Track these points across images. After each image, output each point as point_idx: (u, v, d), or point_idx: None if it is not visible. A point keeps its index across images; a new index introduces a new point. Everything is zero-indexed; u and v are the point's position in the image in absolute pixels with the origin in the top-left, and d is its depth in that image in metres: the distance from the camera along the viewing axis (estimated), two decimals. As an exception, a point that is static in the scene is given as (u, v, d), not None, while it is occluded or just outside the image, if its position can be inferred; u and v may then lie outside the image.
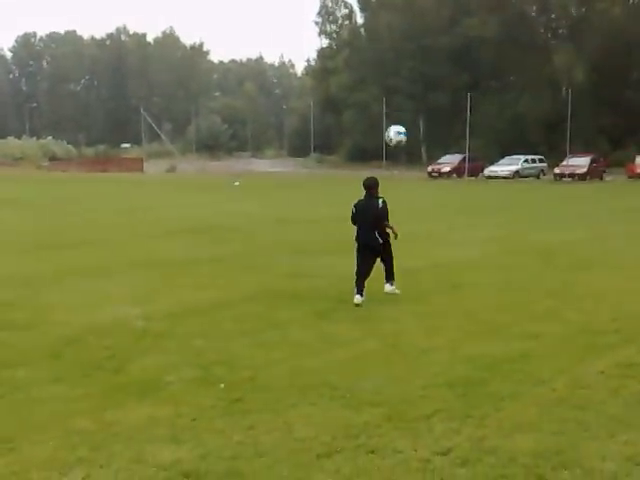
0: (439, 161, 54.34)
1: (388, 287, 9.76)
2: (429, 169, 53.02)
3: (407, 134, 10.40)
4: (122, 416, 5.39)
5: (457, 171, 51.72)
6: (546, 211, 24.39)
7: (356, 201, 9.61)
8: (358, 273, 9.31)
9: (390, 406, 5.58)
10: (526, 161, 50.61)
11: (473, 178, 50.52)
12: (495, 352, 6.99)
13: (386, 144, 10.68)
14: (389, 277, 9.78)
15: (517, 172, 48.92)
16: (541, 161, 51.64)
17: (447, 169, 51.91)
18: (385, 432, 5.09)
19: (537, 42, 62.51)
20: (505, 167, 49.63)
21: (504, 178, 47.50)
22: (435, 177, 51.11)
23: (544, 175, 49.66)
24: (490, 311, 8.83)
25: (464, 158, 52.77)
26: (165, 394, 5.90)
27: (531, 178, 48.67)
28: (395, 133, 10.23)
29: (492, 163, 51.09)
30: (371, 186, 9.61)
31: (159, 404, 5.65)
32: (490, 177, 48.79)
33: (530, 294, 9.87)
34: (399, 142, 10.25)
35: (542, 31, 66.82)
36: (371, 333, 7.80)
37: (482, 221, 20.66)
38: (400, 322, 8.29)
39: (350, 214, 9.66)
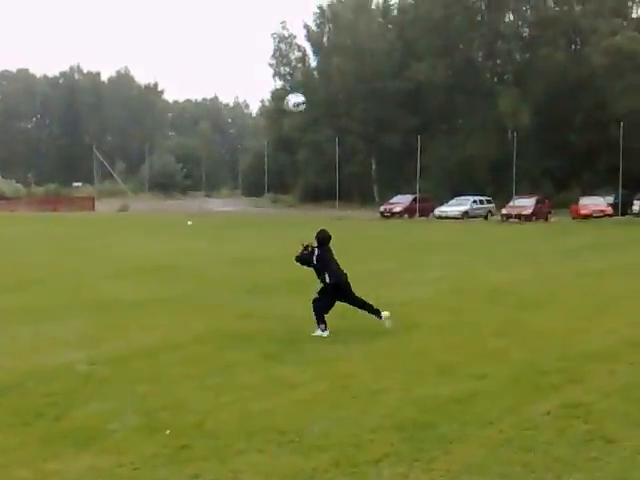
0: (391, 201, 54.95)
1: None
2: (381, 209, 53.58)
3: (306, 104, 10.72)
4: (62, 466, 5.23)
5: (408, 211, 52.37)
6: (494, 251, 24.74)
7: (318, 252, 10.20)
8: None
9: (339, 450, 5.52)
10: (475, 202, 51.51)
11: (424, 218, 51.15)
12: (443, 393, 6.99)
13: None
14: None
15: (466, 212, 49.73)
16: (489, 202, 52.68)
17: (399, 209, 52.50)
18: (333, 477, 5.04)
19: (484, 87, 64.35)
20: (455, 207, 50.39)
21: (454, 218, 48.16)
22: (387, 217, 51.60)
23: (492, 215, 50.59)
24: (439, 351, 8.85)
25: (415, 198, 53.51)
26: (108, 442, 5.74)
27: (480, 218, 49.50)
28: (294, 104, 10.66)
29: (442, 203, 51.92)
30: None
31: (101, 453, 5.51)
32: (440, 217, 49.46)
33: (478, 334, 9.92)
34: (297, 105, 10.63)
35: (488, 76, 68.82)
36: (321, 375, 7.74)
37: (432, 260, 20.83)
38: (350, 363, 8.26)
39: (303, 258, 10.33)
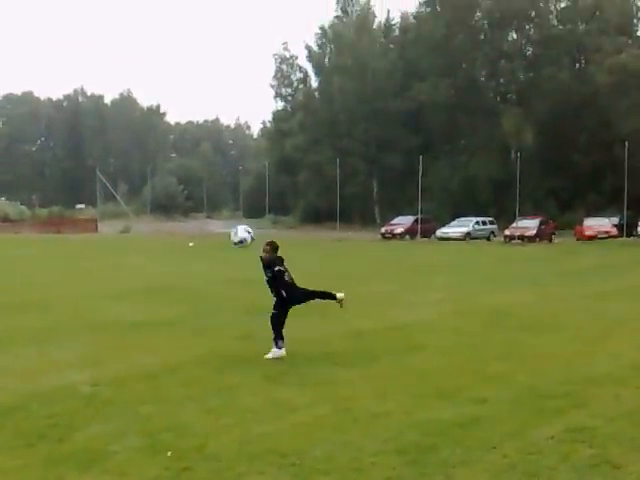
0: (392, 222, 54.87)
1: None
2: (382, 230, 53.49)
3: (253, 237, 9.66)
4: (64, 488, 5.22)
5: (410, 232, 52.27)
6: (496, 272, 24.72)
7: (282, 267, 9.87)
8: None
9: (340, 474, 5.50)
10: (477, 223, 51.43)
11: (426, 239, 51.07)
12: (446, 417, 6.96)
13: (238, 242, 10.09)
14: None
15: (468, 234, 49.61)
16: (491, 223, 52.53)
17: (400, 230, 52.42)
18: (335, 501, 5.01)
19: (486, 106, 64.14)
20: (457, 229, 50.30)
21: (456, 239, 48.08)
22: (388, 238, 51.51)
23: (494, 237, 50.46)
24: (441, 374, 8.82)
25: (417, 219, 53.40)
26: (110, 464, 5.73)
27: (482, 240, 49.37)
28: (244, 231, 9.61)
29: (444, 224, 51.80)
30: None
31: (103, 474, 5.49)
32: (442, 238, 49.35)
33: (481, 356, 9.90)
34: (243, 241, 9.55)
35: (491, 95, 68.67)
36: (322, 397, 7.72)
37: (434, 282, 20.81)
38: (352, 386, 8.23)
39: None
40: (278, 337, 9.69)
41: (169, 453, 5.93)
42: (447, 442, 6.21)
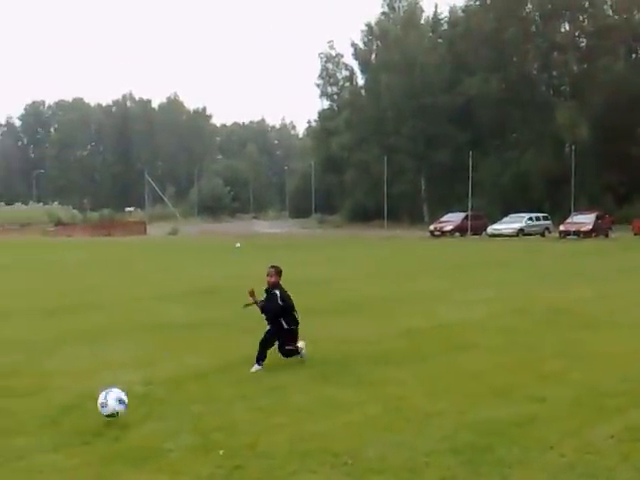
0: (441, 219, 54.33)
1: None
2: (431, 228, 53.00)
3: (126, 406, 6.84)
4: (120, 486, 5.28)
5: (460, 229, 51.66)
6: (551, 269, 24.33)
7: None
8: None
9: (394, 474, 5.44)
10: (530, 219, 50.59)
11: (476, 236, 50.41)
12: (501, 416, 6.85)
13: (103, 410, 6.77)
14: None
15: (521, 230, 48.84)
16: (545, 218, 51.59)
17: (449, 227, 51.86)
18: (389, 501, 4.96)
19: (539, 100, 62.98)
20: (509, 225, 49.56)
21: (508, 236, 47.40)
22: (437, 236, 51.04)
23: (549, 233, 49.58)
24: (495, 373, 8.69)
25: (467, 216, 52.72)
26: (164, 462, 5.77)
27: (536, 236, 48.57)
28: (115, 401, 6.81)
29: (495, 221, 51.06)
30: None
31: (158, 472, 5.53)
32: (494, 235, 48.70)
33: (536, 355, 9.74)
34: (113, 413, 6.71)
35: (544, 89, 67.53)
36: (374, 397, 7.66)
37: (486, 280, 20.59)
38: (403, 385, 8.16)
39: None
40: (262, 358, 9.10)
41: (221, 452, 5.95)
42: (503, 442, 6.11)
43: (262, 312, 9.39)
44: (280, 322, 9.19)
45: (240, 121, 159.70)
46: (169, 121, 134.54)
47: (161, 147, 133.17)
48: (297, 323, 9.32)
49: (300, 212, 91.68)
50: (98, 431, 6.56)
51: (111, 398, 6.77)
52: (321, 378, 8.48)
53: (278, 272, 9.38)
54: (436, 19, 75.34)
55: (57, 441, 6.30)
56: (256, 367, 8.97)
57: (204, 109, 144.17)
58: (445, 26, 74.83)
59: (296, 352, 9.25)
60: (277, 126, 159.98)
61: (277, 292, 9.23)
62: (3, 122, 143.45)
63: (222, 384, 8.31)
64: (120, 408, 6.77)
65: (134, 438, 6.37)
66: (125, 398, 6.87)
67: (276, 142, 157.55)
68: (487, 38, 63.19)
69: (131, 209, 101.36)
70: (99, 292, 18.83)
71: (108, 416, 6.75)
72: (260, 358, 9.03)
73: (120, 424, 6.73)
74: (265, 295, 9.40)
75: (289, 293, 9.42)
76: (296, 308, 9.38)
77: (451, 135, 64.76)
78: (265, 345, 9.10)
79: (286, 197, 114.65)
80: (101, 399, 6.79)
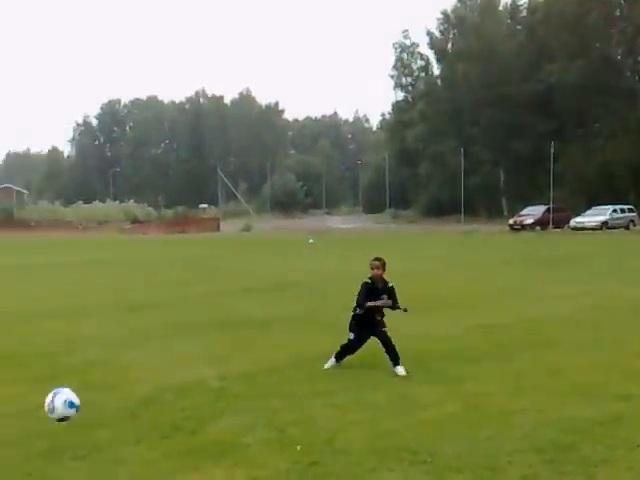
0: (521, 213, 53.15)
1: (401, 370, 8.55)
2: (511, 222, 51.95)
3: (78, 409, 6.06)
4: (200, 478, 5.32)
5: (541, 223, 50.47)
6: (637, 263, 23.61)
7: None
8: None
9: (474, 472, 5.33)
10: (615, 211, 49.09)
11: (558, 230, 49.18)
12: (585, 415, 6.65)
13: None
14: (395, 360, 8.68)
15: (605, 223, 47.46)
16: (631, 210, 49.97)
17: (530, 221, 50.70)
18: (469, 500, 4.85)
19: (623, 86, 60.89)
20: (592, 218, 48.17)
21: (591, 229, 46.16)
22: (517, 230, 49.98)
23: (634, 226, 48.04)
24: (579, 371, 8.46)
25: (548, 209, 51.48)
26: (242, 456, 5.79)
27: (620, 229, 47.14)
28: (63, 404, 5.99)
29: (578, 213, 49.69)
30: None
31: (236, 466, 5.55)
32: (576, 228, 47.46)
33: (622, 352, 9.45)
34: (64, 418, 5.94)
35: (628, 74, 65.27)
36: (451, 394, 7.54)
37: (569, 275, 20.15)
38: (482, 382, 8.00)
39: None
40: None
41: (299, 447, 5.93)
42: (587, 440, 5.94)
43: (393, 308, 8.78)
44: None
45: (312, 115, 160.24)
46: (241, 116, 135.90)
47: (233, 143, 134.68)
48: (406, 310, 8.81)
49: (374, 207, 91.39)
50: (176, 424, 6.62)
51: (59, 401, 5.94)
52: (396, 375, 8.39)
53: (384, 264, 8.79)
54: (514, 5, 73.60)
55: (137, 434, 6.39)
56: (331, 362, 8.86)
57: (276, 104, 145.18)
58: (524, 12, 72.92)
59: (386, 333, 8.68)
60: (350, 119, 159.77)
61: (392, 284, 8.78)
62: (80, 121, 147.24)
63: (298, 380, 8.30)
64: (70, 412, 5.96)
65: (211, 432, 6.41)
66: (76, 400, 6.00)
67: (349, 136, 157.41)
68: (568, 23, 61.20)
69: (205, 206, 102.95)
70: (175, 288, 19.14)
71: (59, 420, 6.01)
72: (339, 357, 8.84)
73: (197, 418, 6.80)
74: (374, 292, 8.68)
75: None
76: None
77: (531, 125, 62.94)
78: (347, 351, 8.82)
79: (359, 192, 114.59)
80: (48, 402, 5.95)
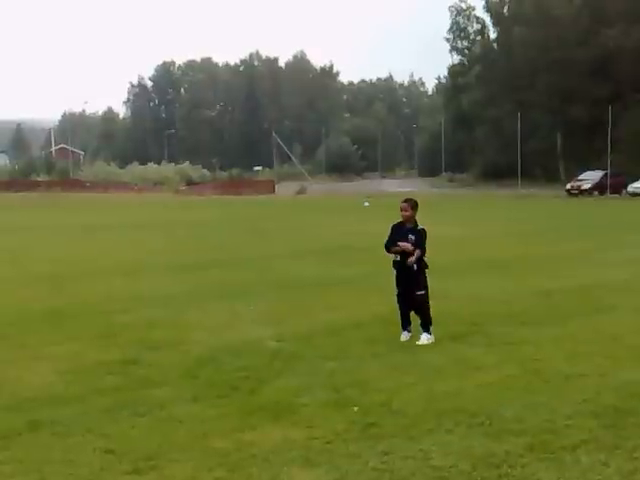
0: (579, 178, 52.35)
1: (424, 337, 8.24)
2: (568, 186, 51.20)
3: None
4: (257, 438, 5.38)
5: (598, 188, 49.67)
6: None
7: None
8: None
9: (533, 435, 5.29)
10: None
11: (616, 195, 48.36)
12: (645, 380, 6.55)
13: None
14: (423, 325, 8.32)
15: None
16: None
17: (588, 186, 49.93)
18: (528, 462, 4.83)
19: (685, 50, 59.09)
20: None
21: None
22: (575, 195, 49.31)
23: (694, 191, 46.89)
24: (637, 335, 8.32)
25: (606, 174, 50.56)
26: (299, 416, 5.84)
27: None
28: None
29: (637, 179, 48.71)
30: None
31: (293, 426, 5.61)
32: (635, 194, 46.57)
33: (682, 317, 9.24)
34: None
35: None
36: (509, 358, 7.48)
37: (628, 240, 19.75)
38: (540, 346, 7.92)
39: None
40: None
41: (356, 408, 5.96)
42: (647, 405, 5.85)
43: (411, 253, 8.10)
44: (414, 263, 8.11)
45: (367, 78, 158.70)
46: (296, 79, 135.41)
47: (288, 106, 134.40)
48: (427, 267, 8.35)
49: (429, 171, 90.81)
50: (234, 384, 6.70)
51: None
52: (455, 338, 8.34)
53: (413, 206, 8.27)
54: (573, -31, 71.62)
55: (195, 393, 6.48)
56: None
57: (331, 67, 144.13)
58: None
59: (426, 300, 8.26)
60: (405, 83, 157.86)
61: (424, 228, 8.26)
62: (135, 83, 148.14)
63: (355, 341, 8.31)
64: None
65: (269, 392, 6.48)
66: None
67: (404, 100, 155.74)
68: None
69: (259, 168, 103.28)
70: (231, 250, 19.32)
71: None
72: (402, 318, 8.40)
73: (254, 378, 6.87)
74: (401, 231, 8.26)
75: None
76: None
77: (588, 89, 61.73)
78: (400, 306, 8.41)
79: (415, 156, 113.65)
80: None
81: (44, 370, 7.35)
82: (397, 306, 8.45)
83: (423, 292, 8.22)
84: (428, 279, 8.32)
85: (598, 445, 5.09)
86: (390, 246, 8.29)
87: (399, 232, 8.28)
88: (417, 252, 8.09)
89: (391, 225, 8.46)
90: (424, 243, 8.19)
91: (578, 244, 18.99)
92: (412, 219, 8.28)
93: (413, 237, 8.14)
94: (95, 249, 20.24)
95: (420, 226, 8.30)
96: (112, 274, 14.45)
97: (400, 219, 8.35)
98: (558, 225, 26.18)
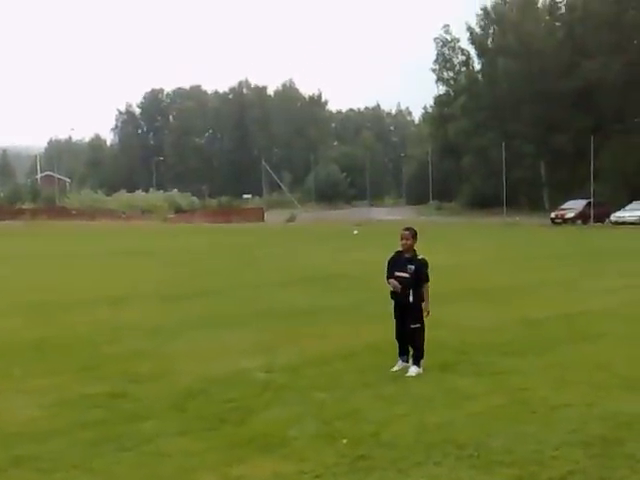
0: (563, 206, 52.88)
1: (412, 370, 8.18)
2: (552, 215, 51.70)
3: None
4: (246, 471, 5.35)
5: (582, 217, 50.13)
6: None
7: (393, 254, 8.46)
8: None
9: (521, 467, 5.32)
10: None
11: (599, 224, 48.83)
12: (632, 409, 6.59)
13: None
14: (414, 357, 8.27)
15: None
16: None
17: (571, 215, 50.41)
18: (517, 495, 4.85)
19: (662, 82, 60.26)
20: (633, 212, 47.70)
21: (632, 224, 45.62)
22: (558, 223, 49.75)
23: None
24: (625, 364, 8.36)
25: (589, 203, 51.12)
26: (289, 449, 5.83)
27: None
28: None
29: (619, 208, 49.22)
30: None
31: (283, 460, 5.59)
32: (617, 223, 47.03)
33: (669, 346, 9.29)
34: None
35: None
36: (497, 387, 7.51)
37: (614, 268, 19.85)
38: (527, 375, 7.96)
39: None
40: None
41: (345, 440, 5.95)
42: (634, 435, 5.92)
43: (408, 286, 8.15)
44: (410, 292, 8.14)
45: (355, 107, 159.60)
46: (285, 107, 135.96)
47: (277, 134, 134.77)
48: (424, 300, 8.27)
49: (417, 199, 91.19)
50: (222, 416, 6.67)
51: None
52: (444, 368, 8.37)
53: (414, 235, 8.31)
54: (553, 3, 73.23)
55: (182, 426, 6.43)
56: (399, 364, 8.35)
57: (319, 95, 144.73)
58: (563, 10, 72.62)
59: (420, 333, 8.22)
60: (393, 112, 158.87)
61: (425, 257, 8.30)
62: (123, 110, 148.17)
63: (344, 371, 8.31)
64: None
65: (258, 424, 6.45)
66: None
67: (392, 128, 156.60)
68: (606, 21, 61.18)
69: (248, 196, 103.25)
70: (220, 278, 19.26)
71: None
72: (400, 350, 8.42)
73: (243, 410, 6.84)
74: (399, 261, 8.28)
75: None
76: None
77: (571, 120, 62.82)
78: (397, 338, 8.45)
79: (402, 184, 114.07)
80: None
81: (28, 403, 7.29)
82: (394, 335, 8.48)
83: (418, 325, 8.22)
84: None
85: (585, 476, 5.12)
86: (389, 277, 8.32)
87: (397, 262, 8.32)
88: (412, 294, 8.14)
89: (387, 259, 8.47)
90: (427, 273, 8.25)
91: (563, 272, 19.06)
92: (411, 248, 8.31)
93: (412, 267, 8.17)
94: (81, 278, 20.09)
95: (420, 255, 8.32)
96: (98, 304, 14.33)
97: (396, 249, 8.40)
98: (543, 253, 26.29)
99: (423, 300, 8.28)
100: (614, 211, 49.04)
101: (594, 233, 40.98)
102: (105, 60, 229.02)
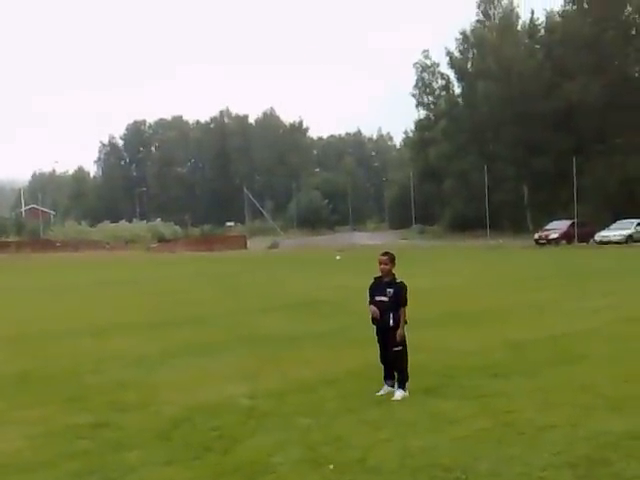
0: (546, 227, 53.17)
1: (398, 394, 8.21)
2: (536, 236, 51.94)
3: None
4: (232, 500, 5.31)
5: (566, 237, 50.44)
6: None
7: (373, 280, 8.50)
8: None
9: (508, 489, 5.30)
10: (639, 225, 48.90)
11: (584, 244, 49.10)
12: (617, 429, 6.58)
13: None
14: (399, 381, 8.30)
15: (630, 237, 47.32)
16: None
17: (555, 235, 50.71)
18: (504, 517, 4.82)
19: (641, 103, 61.00)
20: (617, 232, 48.09)
21: (616, 243, 45.98)
22: (543, 244, 49.98)
23: (659, 239, 47.74)
24: (609, 384, 8.37)
25: (573, 223, 51.43)
26: (274, 476, 5.78)
27: (645, 243, 46.87)
28: None
29: (603, 228, 49.56)
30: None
31: (269, 487, 5.54)
32: (602, 242, 47.35)
33: (652, 365, 9.32)
34: None
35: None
36: (482, 410, 7.49)
37: (596, 289, 19.96)
38: (512, 398, 7.94)
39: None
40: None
41: (331, 466, 5.91)
42: (620, 455, 5.89)
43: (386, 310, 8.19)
44: (389, 316, 8.16)
45: (336, 133, 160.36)
46: (266, 136, 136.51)
47: (259, 162, 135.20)
48: (406, 322, 8.29)
49: (400, 223, 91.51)
50: (207, 445, 6.62)
51: None
52: (428, 391, 8.34)
53: (392, 259, 8.34)
54: (532, 25, 73.94)
55: (168, 455, 6.38)
56: (385, 389, 8.39)
57: (300, 122, 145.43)
58: (542, 32, 73.39)
59: (403, 356, 8.21)
60: (374, 137, 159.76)
61: (403, 281, 8.27)
62: (106, 142, 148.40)
63: (328, 397, 8.27)
64: None
65: (243, 452, 6.40)
66: None
67: (373, 154, 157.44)
68: (586, 43, 61.88)
69: (231, 224, 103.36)
70: (203, 306, 19.20)
71: None
72: (385, 374, 8.46)
73: (228, 438, 6.79)
74: (379, 285, 8.32)
75: None
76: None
77: (552, 141, 63.30)
78: (382, 362, 8.48)
79: (385, 208, 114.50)
80: None
81: (13, 435, 7.21)
82: (379, 359, 8.48)
83: (400, 348, 8.20)
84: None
85: (573, 497, 5.10)
86: (370, 303, 8.37)
87: (377, 287, 8.35)
88: (392, 318, 8.15)
89: (369, 286, 8.47)
90: (405, 297, 8.24)
91: (547, 293, 19.13)
92: (390, 272, 8.34)
93: (391, 290, 8.20)
94: (64, 309, 20.01)
95: (399, 279, 8.35)
96: (82, 334, 14.26)
97: (376, 274, 8.41)
98: (527, 275, 26.40)
99: (406, 322, 8.30)
100: (598, 231, 49.36)
101: (578, 253, 41.24)
102: (87, 93, 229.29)
